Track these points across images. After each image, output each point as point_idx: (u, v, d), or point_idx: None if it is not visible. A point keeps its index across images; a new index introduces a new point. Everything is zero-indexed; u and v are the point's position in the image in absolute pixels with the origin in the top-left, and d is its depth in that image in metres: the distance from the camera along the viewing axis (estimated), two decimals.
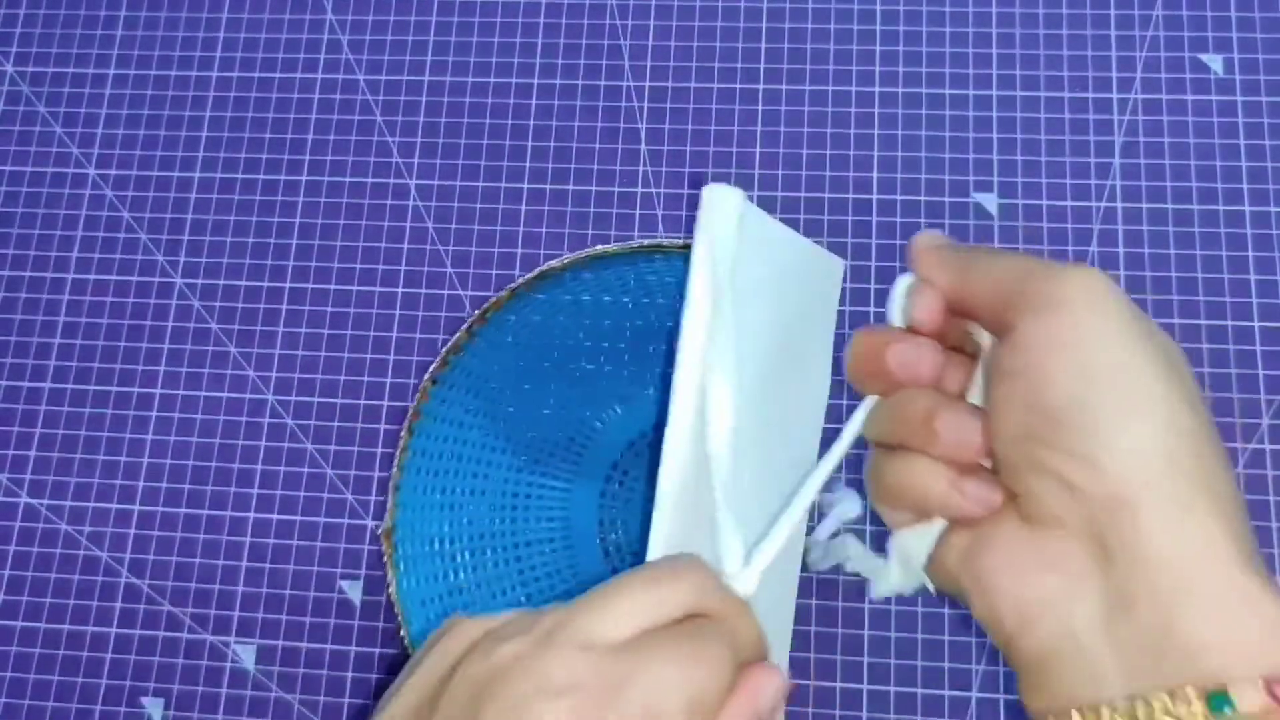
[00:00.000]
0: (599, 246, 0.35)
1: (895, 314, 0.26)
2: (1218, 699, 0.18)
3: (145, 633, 0.37)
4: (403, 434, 0.35)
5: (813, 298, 0.35)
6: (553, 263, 0.34)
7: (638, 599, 0.22)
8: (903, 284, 0.27)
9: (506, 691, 0.20)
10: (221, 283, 0.41)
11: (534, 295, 0.36)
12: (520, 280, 0.35)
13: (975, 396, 0.25)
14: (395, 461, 0.35)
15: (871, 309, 0.38)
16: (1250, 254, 0.38)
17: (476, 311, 0.36)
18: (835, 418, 0.36)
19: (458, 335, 0.36)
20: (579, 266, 0.35)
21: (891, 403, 0.25)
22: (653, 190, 0.40)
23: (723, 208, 0.32)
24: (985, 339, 0.25)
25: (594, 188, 0.41)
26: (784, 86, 0.40)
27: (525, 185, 0.41)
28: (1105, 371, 0.21)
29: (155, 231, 0.42)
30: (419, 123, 0.42)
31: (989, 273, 0.24)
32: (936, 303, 0.25)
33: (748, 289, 0.32)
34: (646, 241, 0.35)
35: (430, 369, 0.36)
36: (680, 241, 0.35)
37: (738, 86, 0.41)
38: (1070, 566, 0.21)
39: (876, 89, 0.40)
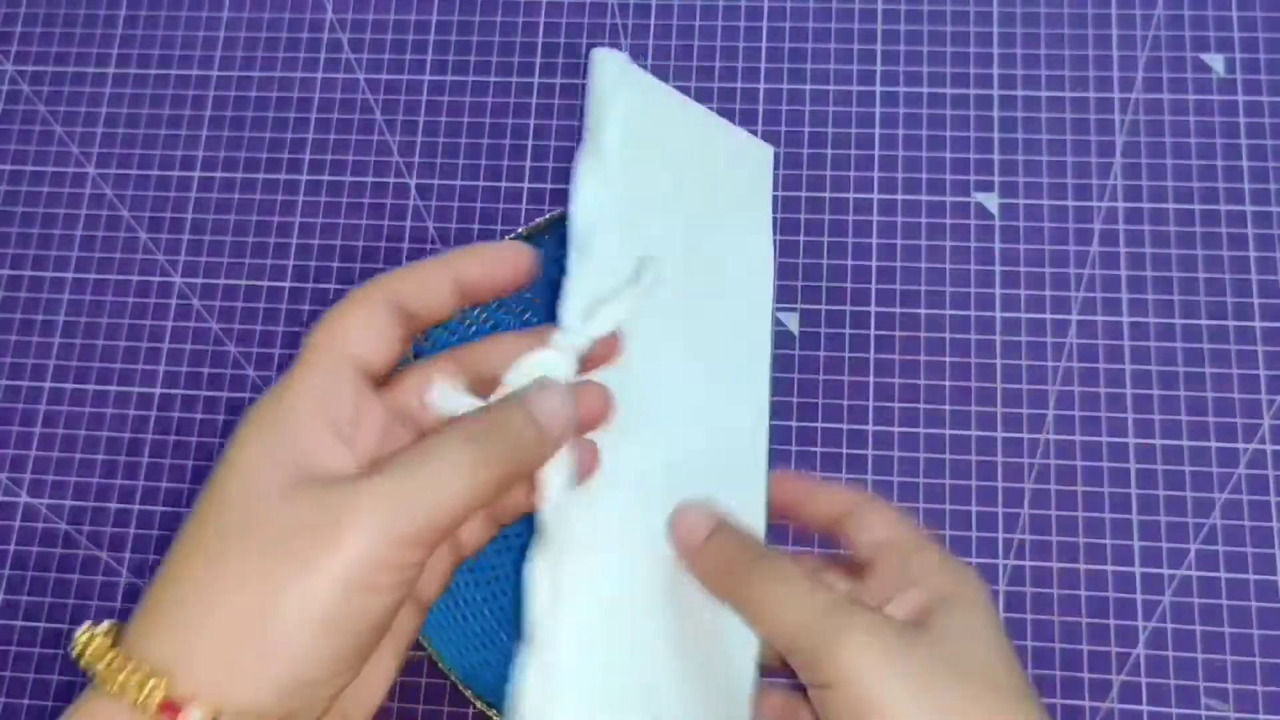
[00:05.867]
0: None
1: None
2: None
3: None
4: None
5: (726, 177, 0.34)
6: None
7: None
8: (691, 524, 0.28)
9: None
10: (221, 282, 0.41)
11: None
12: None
13: None
14: None
15: (872, 308, 0.38)
16: (1252, 254, 0.38)
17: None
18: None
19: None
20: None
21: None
22: None
23: (606, 68, 0.32)
24: None
25: None
26: (785, 86, 0.40)
27: (526, 185, 0.41)
28: None
29: (155, 231, 0.42)
30: (419, 122, 0.42)
31: (776, 612, 0.25)
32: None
33: (641, 144, 0.31)
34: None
35: None
36: None
37: (739, 86, 0.41)
38: None
39: (877, 89, 0.40)
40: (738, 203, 0.34)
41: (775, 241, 0.33)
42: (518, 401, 0.25)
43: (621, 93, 0.32)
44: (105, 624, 0.20)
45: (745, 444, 0.31)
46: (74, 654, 0.20)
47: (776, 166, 0.41)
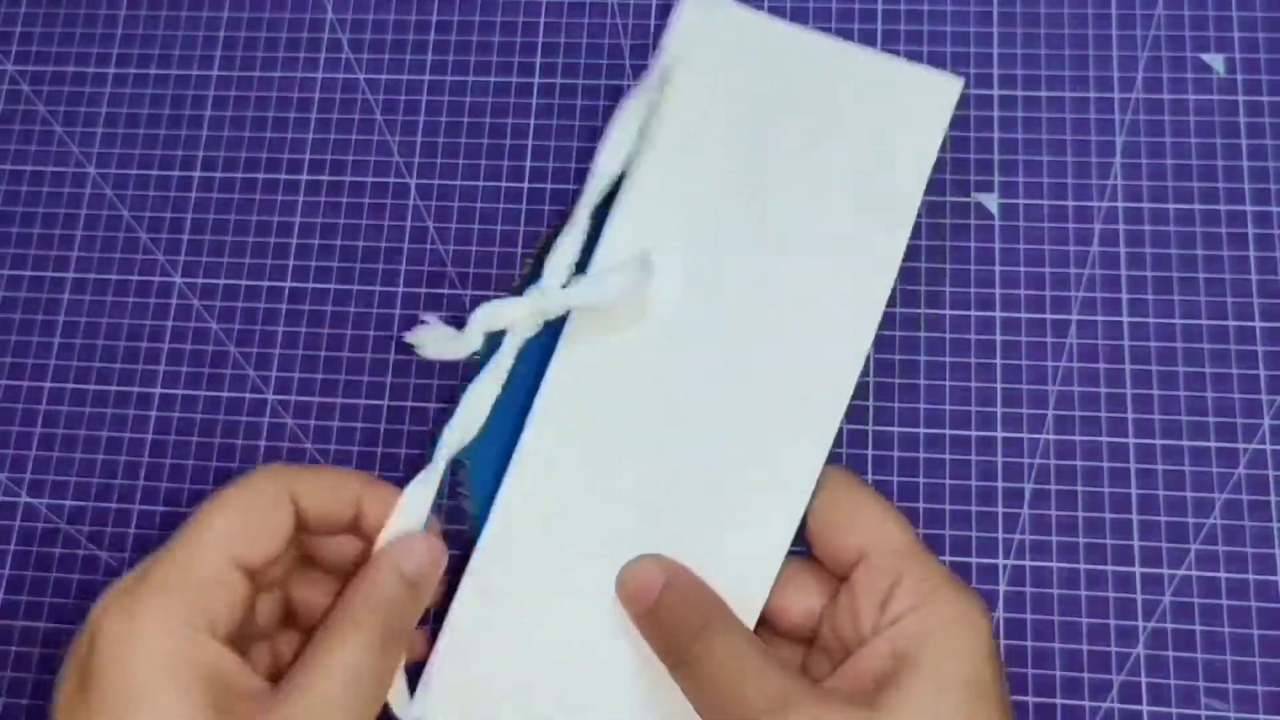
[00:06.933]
0: None
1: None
2: None
3: None
4: None
5: (869, 125, 0.30)
6: None
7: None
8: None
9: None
10: (221, 282, 0.41)
11: None
12: None
13: None
14: None
15: None
16: (1252, 254, 0.38)
17: None
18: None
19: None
20: None
21: None
22: None
23: (685, 15, 0.30)
24: None
25: None
26: None
27: (525, 185, 0.41)
28: None
29: (155, 231, 0.42)
30: (419, 122, 0.42)
31: (715, 689, 0.24)
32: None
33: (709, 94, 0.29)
34: None
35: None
36: None
37: None
38: None
39: None
40: (881, 153, 0.30)
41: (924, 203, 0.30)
42: (390, 567, 0.25)
43: (697, 41, 0.29)
44: None
45: (791, 440, 0.29)
46: None
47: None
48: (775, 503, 0.28)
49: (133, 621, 0.22)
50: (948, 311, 0.38)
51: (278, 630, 0.28)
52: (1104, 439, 0.37)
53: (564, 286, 0.29)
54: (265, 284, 0.41)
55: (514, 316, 0.29)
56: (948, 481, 0.37)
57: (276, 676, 0.25)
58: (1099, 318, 0.38)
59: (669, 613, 0.25)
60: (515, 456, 0.29)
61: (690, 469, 0.28)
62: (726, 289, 0.29)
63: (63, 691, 0.23)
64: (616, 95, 0.42)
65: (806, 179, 0.30)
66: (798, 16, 0.41)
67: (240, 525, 0.24)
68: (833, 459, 0.37)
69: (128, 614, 0.23)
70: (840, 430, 0.37)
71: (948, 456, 0.37)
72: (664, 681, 0.26)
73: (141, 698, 0.21)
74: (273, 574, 0.26)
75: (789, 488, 0.28)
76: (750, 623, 0.27)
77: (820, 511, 0.28)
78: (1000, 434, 0.37)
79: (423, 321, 0.31)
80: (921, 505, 0.36)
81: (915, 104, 0.30)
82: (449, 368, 0.39)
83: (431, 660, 0.28)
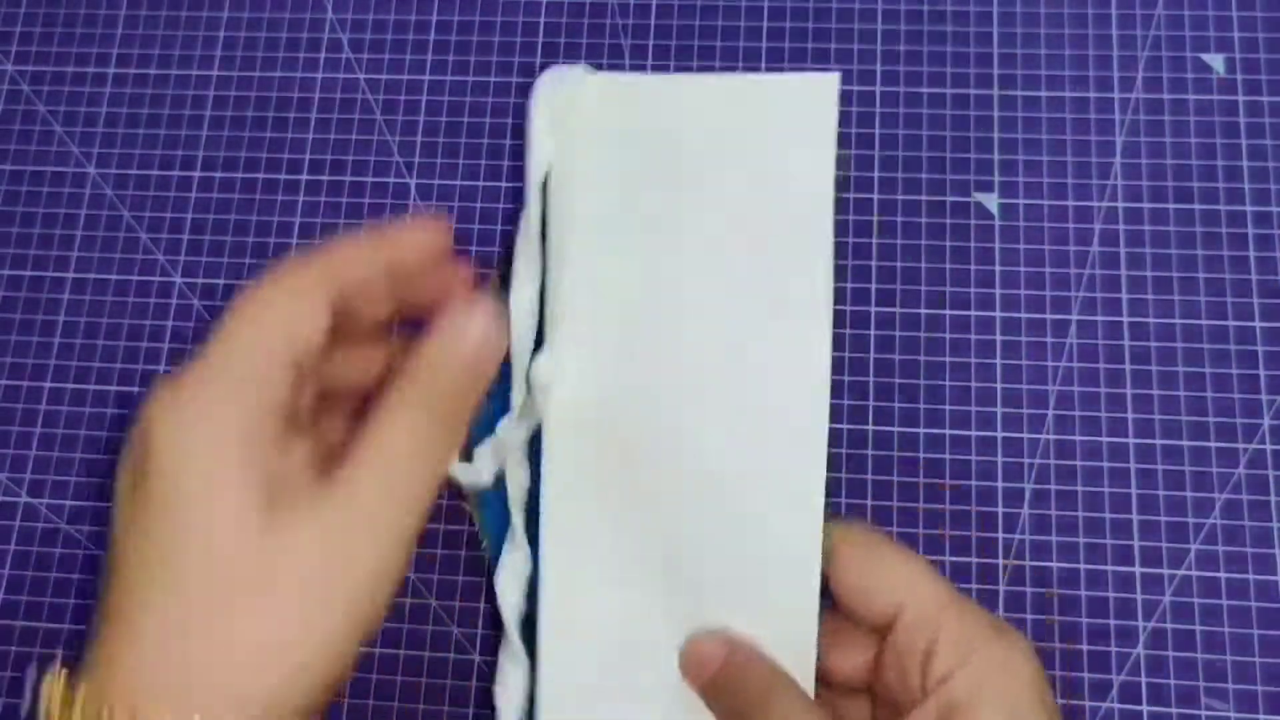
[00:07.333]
0: None
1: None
2: None
3: None
4: None
5: (759, 145, 0.29)
6: None
7: None
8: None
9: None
10: (221, 282, 0.41)
11: None
12: None
13: None
14: None
15: (872, 309, 0.38)
16: (1251, 254, 0.38)
17: None
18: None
19: None
20: None
21: None
22: None
23: (544, 94, 0.29)
24: None
25: None
26: None
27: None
28: None
29: (155, 231, 0.42)
30: (419, 122, 0.42)
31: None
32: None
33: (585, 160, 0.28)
34: None
35: None
36: None
37: None
38: None
39: (877, 89, 0.40)
40: (784, 172, 0.29)
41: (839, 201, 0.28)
42: (445, 346, 0.24)
43: (553, 127, 0.29)
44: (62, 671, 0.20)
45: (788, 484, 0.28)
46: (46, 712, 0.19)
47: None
48: (792, 566, 0.27)
49: (183, 417, 0.21)
50: (948, 311, 0.38)
51: (319, 414, 0.26)
52: (1104, 439, 0.37)
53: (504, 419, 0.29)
54: None
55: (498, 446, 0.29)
56: (948, 481, 0.37)
57: (324, 460, 0.24)
58: (1099, 318, 0.38)
59: (730, 683, 0.25)
60: (541, 562, 0.28)
61: (704, 548, 0.28)
62: (682, 363, 0.28)
63: (120, 490, 0.22)
64: None
65: (720, 225, 0.29)
66: (796, 16, 0.41)
67: (281, 317, 0.23)
68: (833, 460, 0.37)
69: (178, 410, 0.22)
70: (840, 432, 0.37)
71: (948, 456, 0.37)
72: None
73: (196, 494, 0.21)
74: (313, 361, 0.24)
75: (799, 550, 0.27)
76: (809, 686, 0.27)
77: (840, 575, 0.27)
78: (1000, 434, 0.37)
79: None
80: (921, 505, 0.36)
81: (801, 112, 0.29)
82: None
83: None
